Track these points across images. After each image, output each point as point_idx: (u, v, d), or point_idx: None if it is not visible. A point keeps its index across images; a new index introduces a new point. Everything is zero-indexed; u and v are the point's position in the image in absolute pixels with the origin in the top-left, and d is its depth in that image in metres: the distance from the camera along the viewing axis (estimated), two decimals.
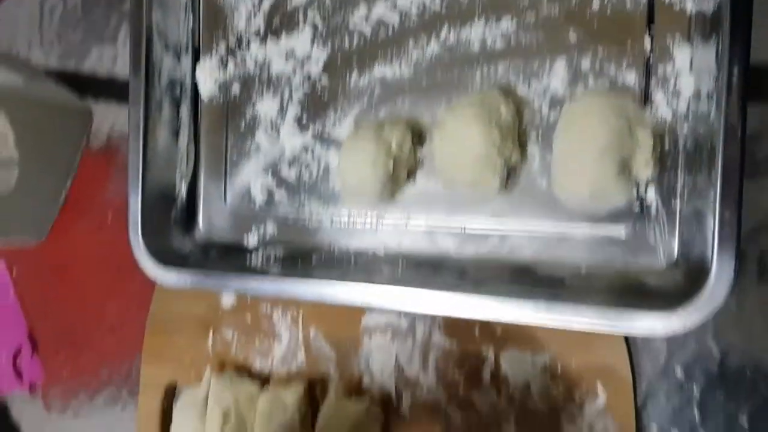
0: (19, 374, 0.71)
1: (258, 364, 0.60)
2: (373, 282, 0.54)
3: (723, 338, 0.48)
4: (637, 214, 0.50)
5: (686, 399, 0.49)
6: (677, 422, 0.49)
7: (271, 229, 0.61)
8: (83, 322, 0.69)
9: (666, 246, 0.49)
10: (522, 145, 0.51)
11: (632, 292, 0.49)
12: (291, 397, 0.55)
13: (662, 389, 0.49)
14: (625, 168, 0.46)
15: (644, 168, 0.47)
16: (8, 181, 0.65)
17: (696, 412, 0.49)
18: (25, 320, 0.72)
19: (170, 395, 0.63)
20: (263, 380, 0.59)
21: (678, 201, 0.48)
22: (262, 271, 0.58)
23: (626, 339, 0.49)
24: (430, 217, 0.55)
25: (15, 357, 0.71)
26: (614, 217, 0.50)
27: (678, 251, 0.49)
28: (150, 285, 0.65)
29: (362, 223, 0.58)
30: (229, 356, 0.61)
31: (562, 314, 0.47)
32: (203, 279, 0.58)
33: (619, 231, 0.50)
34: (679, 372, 0.49)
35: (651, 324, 0.45)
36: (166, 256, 0.60)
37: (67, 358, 0.70)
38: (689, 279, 0.47)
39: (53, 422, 0.71)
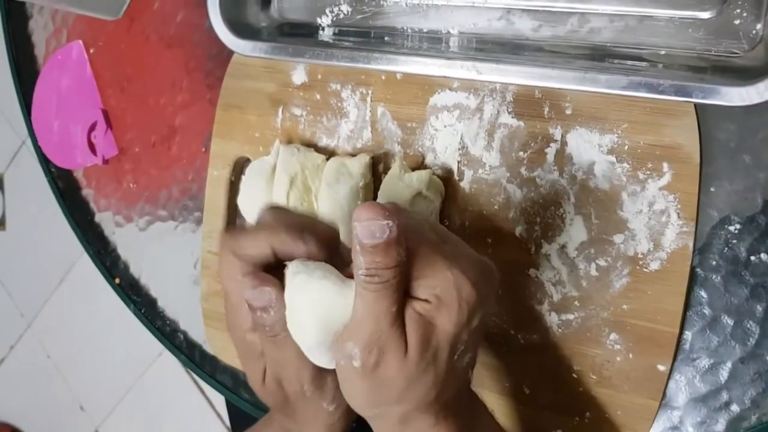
0: (93, 148, 0.74)
1: (324, 141, 0.62)
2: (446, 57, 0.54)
3: None
4: None
5: (751, 186, 0.49)
6: (738, 208, 0.49)
7: (345, 9, 0.61)
8: (155, 98, 0.71)
9: (750, 28, 0.48)
10: None
11: (711, 70, 0.48)
12: (356, 164, 0.57)
13: (727, 175, 0.49)
14: None
15: None
16: None
17: (759, 199, 0.49)
18: (101, 97, 0.75)
19: (238, 169, 0.66)
20: (329, 156, 0.60)
21: None
22: (335, 46, 0.59)
23: (698, 121, 0.49)
24: None
25: (90, 132, 0.74)
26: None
27: (762, 33, 0.48)
28: (222, 67, 0.66)
29: (438, 3, 0.57)
30: (296, 133, 0.63)
31: (638, 85, 0.47)
32: (277, 48, 0.59)
33: (704, 13, 0.49)
34: (747, 159, 0.49)
35: (728, 94, 0.45)
36: (241, 28, 0.61)
37: (138, 134, 0.73)
38: None
39: (122, 192, 0.74)
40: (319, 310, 0.40)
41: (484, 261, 0.43)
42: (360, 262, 0.38)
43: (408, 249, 0.39)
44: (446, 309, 0.39)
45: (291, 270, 0.41)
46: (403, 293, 0.39)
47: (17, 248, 1.98)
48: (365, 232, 0.37)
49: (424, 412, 0.41)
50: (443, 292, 0.39)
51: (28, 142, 0.81)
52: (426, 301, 0.39)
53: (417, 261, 0.39)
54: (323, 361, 0.42)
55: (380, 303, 0.38)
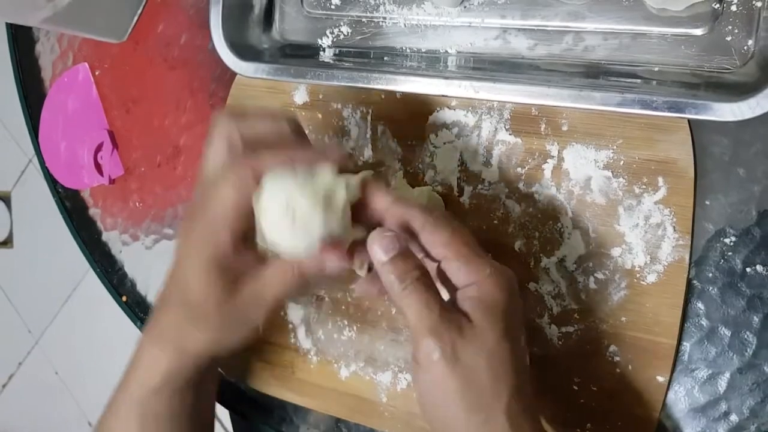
0: (99, 169, 0.76)
1: None
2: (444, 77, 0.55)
3: None
4: (716, 12, 0.50)
5: (746, 198, 0.50)
6: (734, 221, 0.50)
7: (345, 30, 0.62)
8: (160, 118, 0.72)
9: (742, 44, 0.49)
10: None
11: (704, 86, 0.49)
12: (358, 179, 0.58)
13: (722, 188, 0.50)
14: None
15: None
16: None
17: (754, 212, 0.50)
18: (106, 118, 0.76)
19: None
20: None
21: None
22: (335, 67, 0.60)
23: (692, 136, 0.50)
24: (506, 15, 0.55)
25: (96, 152, 0.76)
26: (693, 16, 0.50)
27: (754, 49, 0.49)
28: (225, 88, 0.67)
29: (435, 24, 0.58)
30: None
31: (633, 101, 0.48)
32: (279, 70, 0.60)
33: (697, 30, 0.50)
34: (741, 172, 0.50)
35: (720, 109, 0.46)
36: (244, 50, 0.63)
37: (144, 155, 0.74)
38: (763, 74, 0.48)
39: (129, 211, 0.75)
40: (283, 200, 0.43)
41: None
42: (389, 279, 0.44)
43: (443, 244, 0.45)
44: (492, 281, 0.44)
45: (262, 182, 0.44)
46: (434, 288, 0.44)
47: (24, 265, 2.00)
48: (381, 250, 0.44)
49: (525, 408, 0.43)
50: (484, 272, 0.44)
51: (35, 160, 0.82)
52: (472, 285, 0.44)
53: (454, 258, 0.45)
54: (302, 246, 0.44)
55: (422, 298, 0.43)
